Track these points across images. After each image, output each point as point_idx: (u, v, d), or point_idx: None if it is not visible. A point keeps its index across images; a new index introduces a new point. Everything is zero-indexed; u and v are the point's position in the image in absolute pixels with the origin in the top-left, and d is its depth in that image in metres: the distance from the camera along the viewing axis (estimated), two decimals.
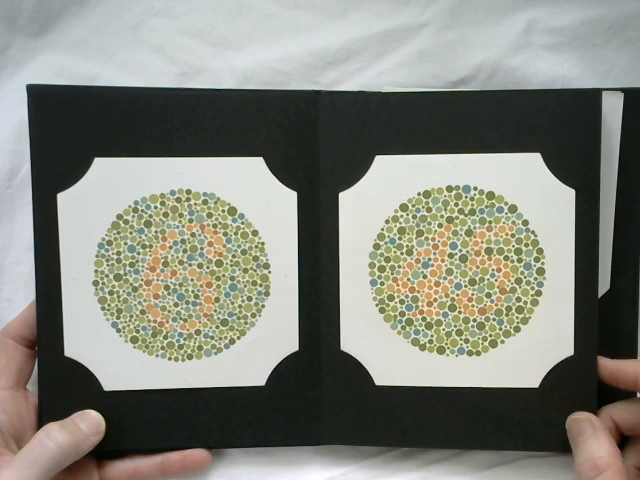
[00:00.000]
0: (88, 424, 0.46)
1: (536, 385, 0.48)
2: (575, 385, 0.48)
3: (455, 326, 0.49)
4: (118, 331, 0.48)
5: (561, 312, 0.48)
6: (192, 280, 0.48)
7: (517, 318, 0.48)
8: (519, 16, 0.51)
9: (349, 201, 0.48)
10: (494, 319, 0.48)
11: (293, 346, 0.49)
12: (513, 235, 0.48)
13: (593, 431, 0.44)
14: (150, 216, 0.48)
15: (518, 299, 0.48)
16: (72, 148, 0.47)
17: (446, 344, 0.49)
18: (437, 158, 0.48)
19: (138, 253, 0.48)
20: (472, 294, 0.48)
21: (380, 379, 0.49)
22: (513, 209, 0.48)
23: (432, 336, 0.49)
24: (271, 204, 0.48)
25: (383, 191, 0.48)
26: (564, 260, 0.48)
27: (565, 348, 0.48)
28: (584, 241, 0.47)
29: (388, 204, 0.48)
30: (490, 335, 0.48)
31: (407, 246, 0.48)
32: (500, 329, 0.48)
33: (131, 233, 0.48)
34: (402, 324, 0.49)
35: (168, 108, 0.47)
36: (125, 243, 0.48)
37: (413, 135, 0.48)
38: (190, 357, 0.49)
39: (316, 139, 0.48)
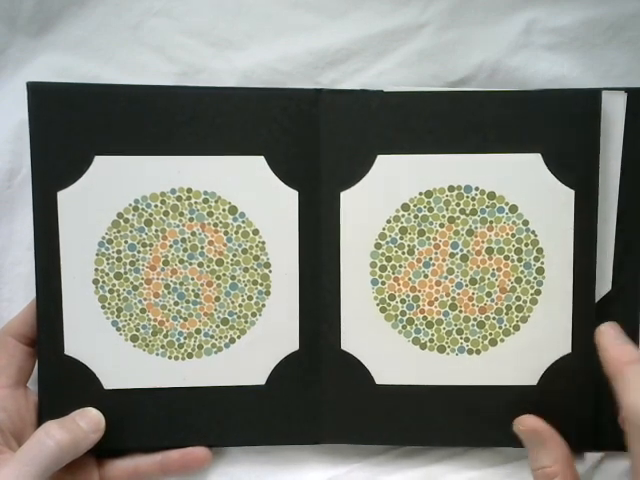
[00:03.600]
0: (87, 422, 0.46)
1: (534, 383, 0.48)
2: (572, 382, 0.48)
3: (456, 325, 0.49)
4: (118, 330, 0.48)
5: (559, 311, 0.48)
6: (192, 279, 0.48)
7: (517, 317, 0.48)
8: (519, 16, 0.51)
9: (350, 200, 0.48)
10: (494, 318, 0.48)
11: (293, 345, 0.49)
12: (513, 235, 0.48)
13: (541, 441, 0.45)
14: (150, 215, 0.48)
15: (518, 298, 0.48)
16: (72, 146, 0.47)
17: (446, 343, 0.49)
18: (439, 158, 0.48)
19: (138, 252, 0.48)
20: (473, 293, 0.48)
21: (380, 378, 0.49)
22: (514, 209, 0.48)
23: (433, 335, 0.49)
24: (272, 203, 0.48)
25: (385, 190, 0.48)
26: (563, 260, 0.48)
27: (563, 346, 0.48)
28: (583, 241, 0.47)
29: (389, 203, 0.48)
30: (490, 334, 0.49)
31: (408, 246, 0.48)
32: (500, 328, 0.48)
33: (131, 232, 0.48)
34: (403, 323, 0.49)
35: (169, 106, 0.47)
36: (125, 242, 0.48)
37: (415, 135, 0.48)
38: (190, 356, 0.49)
39: (317, 138, 0.48)
